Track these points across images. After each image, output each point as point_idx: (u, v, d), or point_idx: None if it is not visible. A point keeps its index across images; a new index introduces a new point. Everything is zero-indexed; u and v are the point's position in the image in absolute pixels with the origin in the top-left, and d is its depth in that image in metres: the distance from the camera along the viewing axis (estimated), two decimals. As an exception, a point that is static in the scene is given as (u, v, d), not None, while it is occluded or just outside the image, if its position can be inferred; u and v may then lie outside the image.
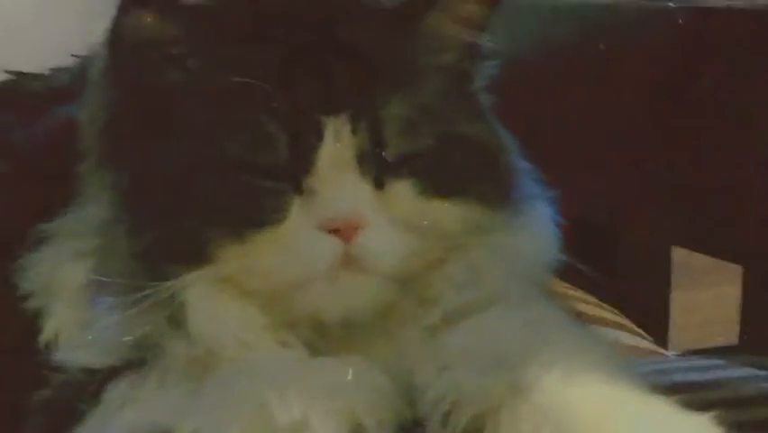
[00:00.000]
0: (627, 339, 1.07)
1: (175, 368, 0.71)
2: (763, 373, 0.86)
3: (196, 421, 0.67)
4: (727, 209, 0.90)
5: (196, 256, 0.70)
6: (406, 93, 0.72)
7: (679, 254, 1.32)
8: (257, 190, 0.70)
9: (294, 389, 0.66)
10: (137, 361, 0.72)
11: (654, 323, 1.25)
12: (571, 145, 0.95)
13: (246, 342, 0.71)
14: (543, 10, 0.97)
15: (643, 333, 1.14)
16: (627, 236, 1.31)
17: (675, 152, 0.84)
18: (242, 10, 0.74)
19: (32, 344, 0.75)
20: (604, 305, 1.14)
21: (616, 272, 1.25)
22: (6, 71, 0.92)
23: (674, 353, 1.11)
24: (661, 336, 1.25)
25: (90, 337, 0.73)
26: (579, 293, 1.08)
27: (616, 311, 1.15)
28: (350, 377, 0.68)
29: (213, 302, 0.71)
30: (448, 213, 0.73)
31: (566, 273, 0.80)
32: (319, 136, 0.70)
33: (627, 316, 1.16)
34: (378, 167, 0.71)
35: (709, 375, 0.86)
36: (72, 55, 0.90)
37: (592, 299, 1.12)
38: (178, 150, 0.71)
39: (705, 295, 1.62)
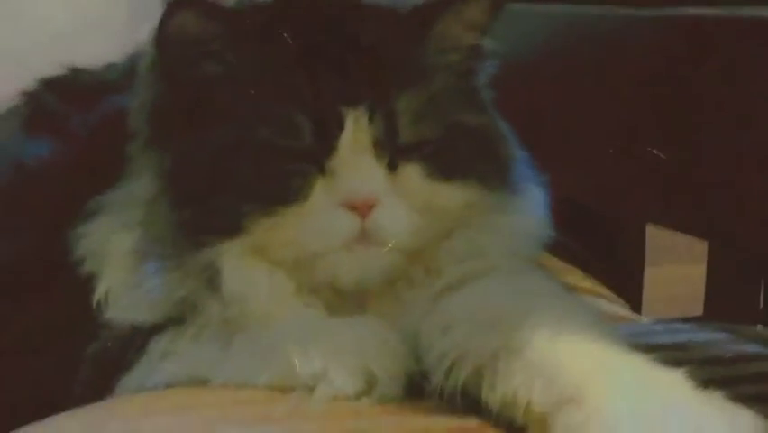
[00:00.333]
0: (607, 307, 1.09)
1: (210, 326, 0.75)
2: (725, 336, 0.91)
3: (229, 372, 0.73)
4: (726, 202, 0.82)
5: (231, 228, 0.74)
6: (417, 88, 0.77)
7: (652, 233, 1.34)
8: (285, 171, 0.75)
9: (315, 345, 0.71)
10: (177, 319, 0.76)
11: (630, 295, 1.27)
12: (568, 138, 0.94)
13: (273, 304, 0.76)
14: (540, 15, 0.97)
15: (621, 301, 1.17)
16: (614, 220, 1.31)
17: (674, 145, 0.80)
18: (274, 12, 0.78)
19: (86, 303, 0.78)
20: (587, 276, 1.16)
21: (599, 250, 1.23)
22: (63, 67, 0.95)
23: (648, 320, 1.14)
24: (635, 307, 1.28)
25: (136, 297, 0.77)
26: (565, 265, 1.08)
27: (597, 282, 1.17)
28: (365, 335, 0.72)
29: (245, 269, 0.75)
30: (452, 194, 0.78)
31: (555, 249, 0.84)
32: (340, 125, 0.74)
33: (607, 287, 1.18)
34: (391, 152, 0.76)
35: (680, 338, 0.90)
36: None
37: (577, 271, 1.14)
38: (217, 134, 0.75)
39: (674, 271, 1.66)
